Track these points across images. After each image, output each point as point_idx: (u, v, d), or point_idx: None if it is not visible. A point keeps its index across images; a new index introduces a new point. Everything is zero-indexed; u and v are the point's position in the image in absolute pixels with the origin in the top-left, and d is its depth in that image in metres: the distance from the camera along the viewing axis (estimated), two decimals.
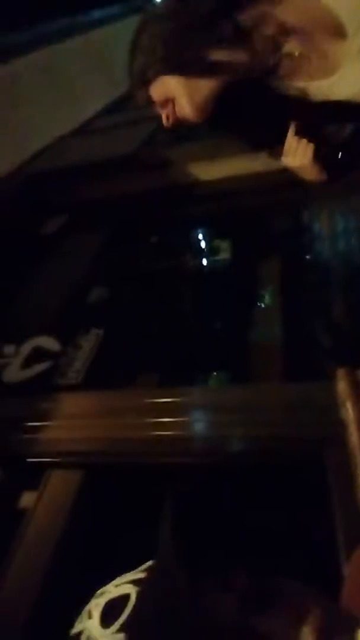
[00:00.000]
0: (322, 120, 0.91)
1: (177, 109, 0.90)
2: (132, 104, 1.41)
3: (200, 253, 2.61)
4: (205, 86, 0.88)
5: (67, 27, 3.59)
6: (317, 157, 0.92)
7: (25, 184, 2.98)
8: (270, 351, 2.02)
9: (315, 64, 0.83)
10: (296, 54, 0.82)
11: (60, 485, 1.47)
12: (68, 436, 1.53)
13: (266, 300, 2.35)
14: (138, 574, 0.45)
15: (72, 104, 3.39)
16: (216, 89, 0.88)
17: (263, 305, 2.35)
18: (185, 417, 1.53)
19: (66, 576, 1.30)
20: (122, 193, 2.74)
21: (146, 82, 0.92)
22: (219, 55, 0.84)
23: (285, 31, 0.82)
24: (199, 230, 2.74)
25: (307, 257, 2.54)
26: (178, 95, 0.89)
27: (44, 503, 1.44)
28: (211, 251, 2.57)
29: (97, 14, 4.01)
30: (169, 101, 0.91)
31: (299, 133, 0.91)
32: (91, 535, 1.37)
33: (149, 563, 0.46)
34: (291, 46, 0.83)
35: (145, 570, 0.45)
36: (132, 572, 0.46)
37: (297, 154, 0.89)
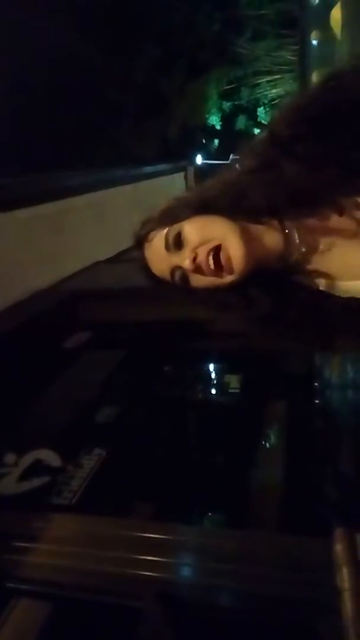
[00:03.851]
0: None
1: (225, 251, 0.75)
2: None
3: (210, 386, 2.68)
4: (261, 233, 0.78)
5: (121, 176, 4.18)
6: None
7: (59, 300, 3.23)
8: (270, 495, 1.97)
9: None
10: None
11: (25, 616, 1.37)
12: (47, 562, 1.46)
13: (271, 440, 2.35)
14: None
15: (111, 237, 3.81)
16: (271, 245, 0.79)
17: (268, 445, 2.34)
18: (173, 558, 1.47)
19: None
20: (143, 320, 2.93)
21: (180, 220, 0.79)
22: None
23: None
24: (211, 364, 2.85)
25: (316, 401, 2.58)
26: (229, 236, 0.75)
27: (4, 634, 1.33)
28: (221, 385, 2.65)
29: (147, 168, 4.68)
30: (212, 243, 0.76)
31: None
32: None
33: None
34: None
35: None
36: None
37: None
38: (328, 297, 0.81)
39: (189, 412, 2.51)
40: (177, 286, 0.82)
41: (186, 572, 1.47)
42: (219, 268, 0.75)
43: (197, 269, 0.76)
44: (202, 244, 0.76)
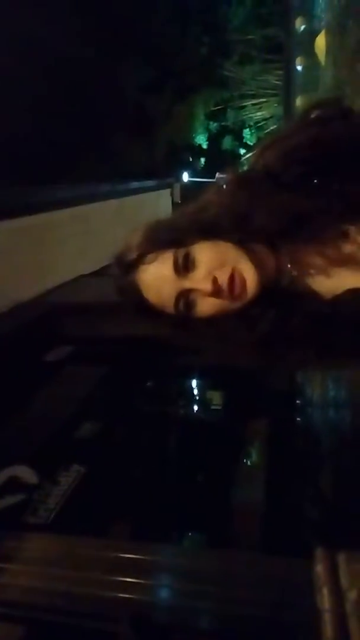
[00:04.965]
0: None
1: (240, 275, 0.74)
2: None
3: (192, 402, 2.67)
4: (267, 258, 0.78)
5: (106, 191, 4.20)
6: None
7: (40, 313, 3.19)
8: (250, 515, 1.94)
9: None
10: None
11: None
12: (21, 583, 1.41)
13: (252, 459, 2.33)
14: None
15: (95, 251, 3.80)
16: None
17: (249, 463, 2.33)
18: (151, 580, 1.43)
19: None
20: (126, 335, 2.91)
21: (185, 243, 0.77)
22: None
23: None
24: (194, 381, 2.84)
25: (297, 419, 2.58)
26: (241, 260, 0.75)
27: None
28: (203, 402, 2.63)
29: (133, 184, 4.71)
30: (226, 265, 0.75)
31: None
32: None
33: None
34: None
35: None
36: None
37: None
38: (328, 306, 0.80)
39: (170, 428, 2.48)
40: (172, 315, 0.79)
41: (164, 593, 1.43)
42: (231, 292, 0.75)
43: (216, 293, 0.74)
44: (216, 267, 0.75)
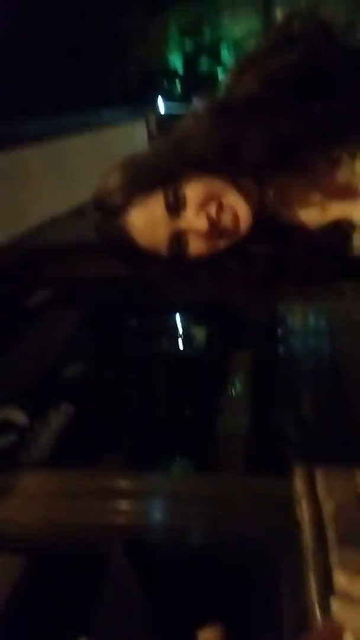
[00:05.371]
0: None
1: (231, 209, 0.72)
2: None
3: (176, 339, 2.70)
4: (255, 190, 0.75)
5: (78, 123, 3.97)
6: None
7: (20, 256, 3.12)
8: (236, 440, 2.05)
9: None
10: None
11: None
12: (20, 518, 1.49)
13: (237, 389, 2.41)
14: None
15: (72, 189, 3.66)
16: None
17: (233, 394, 2.41)
18: (144, 504, 1.52)
19: None
20: (106, 275, 2.88)
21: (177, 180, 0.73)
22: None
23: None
24: (177, 317, 2.86)
25: (280, 350, 2.65)
26: (232, 194, 0.72)
27: None
28: (187, 337, 2.67)
29: (107, 114, 4.45)
30: (213, 201, 0.73)
31: None
32: (30, 627, 1.29)
33: None
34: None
35: None
36: None
37: None
38: (318, 239, 0.78)
39: (156, 365, 2.53)
40: (166, 258, 0.76)
41: (156, 516, 1.52)
42: (225, 228, 0.73)
43: (211, 231, 0.72)
44: (207, 203, 0.72)
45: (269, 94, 0.72)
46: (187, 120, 0.80)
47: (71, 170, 3.87)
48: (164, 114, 6.08)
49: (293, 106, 0.71)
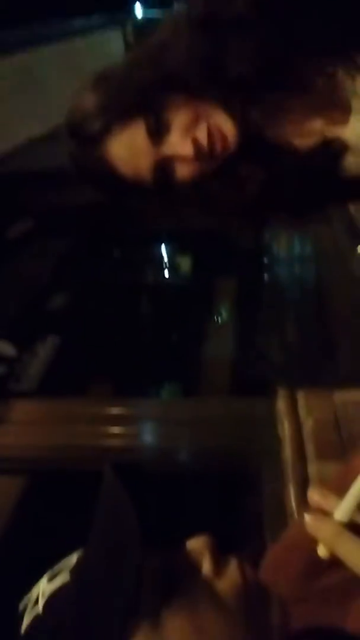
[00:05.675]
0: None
1: (217, 130, 0.68)
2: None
3: (162, 268, 2.68)
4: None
5: (48, 33, 3.62)
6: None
7: None
8: (221, 365, 2.11)
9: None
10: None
11: (2, 491, 1.49)
12: (15, 442, 1.55)
13: (222, 316, 2.45)
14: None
15: (45, 107, 3.41)
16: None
17: (220, 321, 2.45)
18: (134, 427, 1.59)
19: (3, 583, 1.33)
20: (88, 203, 2.79)
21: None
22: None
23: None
24: (161, 246, 2.82)
25: (265, 276, 2.66)
26: (217, 113, 0.68)
27: None
28: (172, 267, 2.65)
29: (79, 22, 4.05)
30: (200, 121, 0.68)
31: None
32: (30, 542, 1.40)
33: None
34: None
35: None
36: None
37: None
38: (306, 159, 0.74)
39: (142, 294, 2.54)
40: (150, 187, 0.71)
41: (145, 438, 1.60)
42: (213, 151, 0.68)
43: (198, 155, 0.67)
44: (191, 125, 0.67)
45: (251, 4, 0.66)
46: (165, 29, 0.73)
47: (42, 85, 3.58)
48: (142, 18, 5.55)
49: (279, 20, 0.66)
